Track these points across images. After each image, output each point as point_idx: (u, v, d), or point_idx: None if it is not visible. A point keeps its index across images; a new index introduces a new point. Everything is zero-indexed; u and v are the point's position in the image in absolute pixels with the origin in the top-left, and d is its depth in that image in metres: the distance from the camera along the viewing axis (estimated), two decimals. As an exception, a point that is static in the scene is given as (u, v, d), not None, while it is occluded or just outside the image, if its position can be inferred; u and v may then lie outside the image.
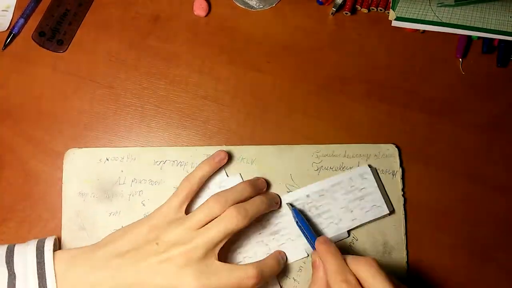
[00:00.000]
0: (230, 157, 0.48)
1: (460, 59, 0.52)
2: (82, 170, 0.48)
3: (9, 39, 0.53)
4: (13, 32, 0.53)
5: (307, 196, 0.47)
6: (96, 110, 0.51)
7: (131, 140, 0.50)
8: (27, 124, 0.51)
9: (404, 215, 0.47)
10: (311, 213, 0.47)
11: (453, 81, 0.52)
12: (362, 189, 0.47)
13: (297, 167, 0.48)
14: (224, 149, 0.48)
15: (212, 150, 0.48)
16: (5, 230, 0.48)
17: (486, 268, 0.47)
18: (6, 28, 0.54)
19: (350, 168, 0.48)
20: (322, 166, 0.49)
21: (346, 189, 0.47)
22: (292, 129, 0.50)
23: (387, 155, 0.49)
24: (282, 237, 0.46)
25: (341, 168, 0.48)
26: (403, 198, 0.48)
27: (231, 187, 0.45)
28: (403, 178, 0.48)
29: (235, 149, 0.49)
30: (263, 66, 0.52)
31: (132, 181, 0.48)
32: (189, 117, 0.51)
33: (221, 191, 0.44)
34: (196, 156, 0.48)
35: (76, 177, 0.48)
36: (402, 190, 0.48)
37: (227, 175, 0.48)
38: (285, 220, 0.47)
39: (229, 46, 0.53)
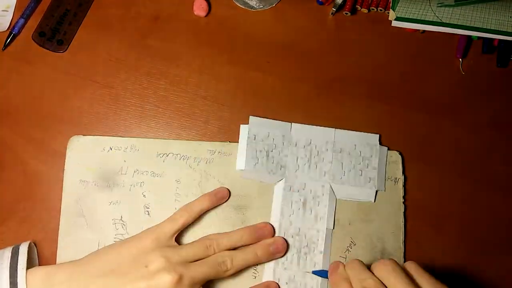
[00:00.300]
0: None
1: (460, 59, 0.52)
2: (85, 157, 0.48)
3: (9, 39, 0.53)
4: (13, 32, 0.53)
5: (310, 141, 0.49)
6: (96, 110, 0.51)
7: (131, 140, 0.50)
8: (27, 124, 0.51)
9: (403, 223, 0.47)
10: (312, 155, 0.48)
11: (453, 81, 0.52)
12: (364, 157, 0.48)
13: None
14: (228, 145, 0.48)
15: (215, 146, 0.49)
16: (5, 230, 0.48)
17: (486, 269, 0.47)
18: (6, 28, 0.54)
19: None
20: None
21: (351, 152, 0.48)
22: (292, 129, 0.50)
23: (390, 162, 0.49)
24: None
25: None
26: (403, 206, 0.48)
27: (230, 232, 0.45)
28: (404, 185, 0.48)
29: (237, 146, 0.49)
30: (263, 66, 0.52)
31: (134, 172, 0.48)
32: (189, 117, 0.51)
33: (219, 234, 0.45)
34: (199, 151, 0.49)
35: (78, 164, 0.48)
36: (403, 197, 0.48)
37: None
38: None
39: (229, 46, 0.53)
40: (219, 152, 0.49)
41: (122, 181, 0.48)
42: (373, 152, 0.48)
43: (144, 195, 0.47)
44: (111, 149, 0.48)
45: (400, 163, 0.49)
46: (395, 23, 0.53)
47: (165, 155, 0.48)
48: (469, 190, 0.49)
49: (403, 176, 0.48)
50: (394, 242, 0.47)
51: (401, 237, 0.47)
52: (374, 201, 0.47)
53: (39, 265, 0.45)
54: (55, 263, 0.45)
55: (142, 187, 0.48)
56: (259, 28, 0.54)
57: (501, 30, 0.52)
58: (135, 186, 0.48)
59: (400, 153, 0.49)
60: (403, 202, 0.48)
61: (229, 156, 0.48)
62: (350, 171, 0.48)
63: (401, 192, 0.48)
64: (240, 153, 0.48)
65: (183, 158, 0.48)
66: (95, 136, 0.49)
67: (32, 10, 0.55)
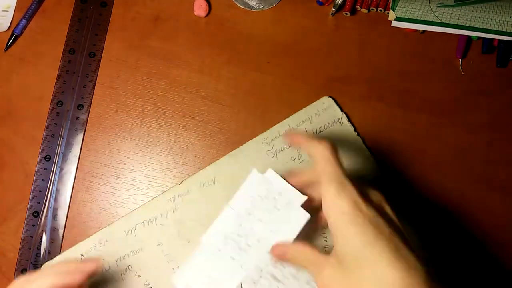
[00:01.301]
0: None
1: (460, 59, 0.52)
2: None
3: (11, 40, 0.53)
4: (16, 33, 0.53)
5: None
6: (96, 110, 0.51)
7: (131, 140, 0.50)
8: (27, 124, 0.51)
9: (368, 150, 0.49)
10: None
11: (453, 81, 0.52)
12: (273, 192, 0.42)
13: (256, 163, 0.49)
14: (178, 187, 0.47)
15: (173, 193, 0.48)
16: (5, 230, 0.48)
17: (486, 269, 0.47)
18: (7, 28, 0.54)
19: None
20: (276, 150, 0.49)
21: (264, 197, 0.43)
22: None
23: (326, 108, 0.50)
24: None
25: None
26: (360, 138, 0.49)
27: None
28: (350, 120, 0.50)
29: (192, 180, 0.48)
30: (263, 66, 0.52)
31: (116, 261, 0.47)
32: (189, 117, 0.51)
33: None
34: (159, 207, 0.48)
35: None
36: (355, 130, 0.50)
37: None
38: None
39: (229, 46, 0.53)
40: (179, 195, 0.48)
41: (111, 276, 0.47)
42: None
43: (138, 275, 0.47)
44: (82, 256, 0.47)
45: (334, 104, 0.50)
46: (395, 23, 0.53)
47: (133, 229, 0.48)
48: (468, 190, 0.49)
49: (343, 113, 0.50)
50: (369, 166, 0.48)
51: (375, 163, 0.48)
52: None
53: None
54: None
55: (132, 269, 0.47)
56: (259, 28, 0.54)
57: (501, 30, 0.52)
58: (125, 273, 0.47)
59: (330, 96, 0.50)
60: (358, 135, 0.49)
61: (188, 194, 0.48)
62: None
63: (350, 127, 0.50)
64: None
65: (150, 222, 0.48)
66: (62, 254, 0.47)
67: (34, 11, 0.55)
